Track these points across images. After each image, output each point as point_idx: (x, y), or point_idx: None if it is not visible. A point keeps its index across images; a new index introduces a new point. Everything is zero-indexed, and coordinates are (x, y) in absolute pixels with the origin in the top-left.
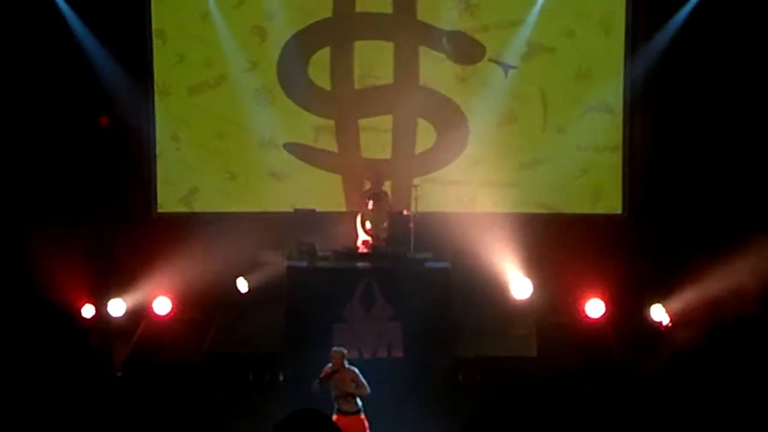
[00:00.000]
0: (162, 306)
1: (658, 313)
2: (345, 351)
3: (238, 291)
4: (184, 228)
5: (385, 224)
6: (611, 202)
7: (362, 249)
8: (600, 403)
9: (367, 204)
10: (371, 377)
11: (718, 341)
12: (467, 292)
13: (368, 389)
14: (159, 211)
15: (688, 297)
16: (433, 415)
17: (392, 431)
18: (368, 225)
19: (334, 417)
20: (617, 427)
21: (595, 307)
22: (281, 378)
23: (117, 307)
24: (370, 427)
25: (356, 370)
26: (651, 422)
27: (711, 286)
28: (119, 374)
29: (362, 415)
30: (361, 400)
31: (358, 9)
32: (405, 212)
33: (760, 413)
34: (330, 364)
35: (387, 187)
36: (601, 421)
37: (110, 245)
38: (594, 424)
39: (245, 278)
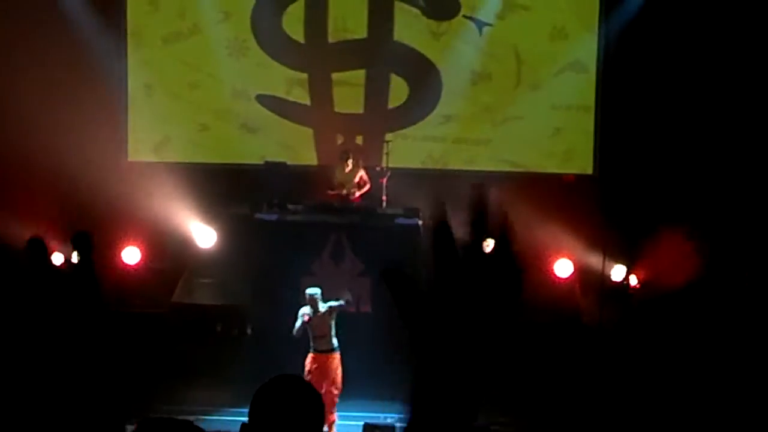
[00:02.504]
0: (131, 255)
1: (625, 274)
2: (319, 292)
3: (200, 244)
4: (154, 177)
5: (357, 179)
6: (583, 162)
7: (333, 203)
8: (565, 359)
9: (339, 159)
10: (338, 331)
11: (677, 302)
12: (436, 249)
13: (344, 301)
14: (130, 159)
15: (653, 259)
16: (400, 369)
17: (362, 385)
18: (338, 180)
19: (311, 356)
20: (581, 383)
21: (563, 267)
22: (249, 331)
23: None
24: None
25: (330, 304)
26: (613, 376)
27: (675, 249)
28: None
29: (337, 353)
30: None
31: None
32: (378, 168)
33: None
34: (307, 308)
35: (357, 141)
36: (566, 378)
37: (80, 192)
38: (559, 381)
39: (213, 229)
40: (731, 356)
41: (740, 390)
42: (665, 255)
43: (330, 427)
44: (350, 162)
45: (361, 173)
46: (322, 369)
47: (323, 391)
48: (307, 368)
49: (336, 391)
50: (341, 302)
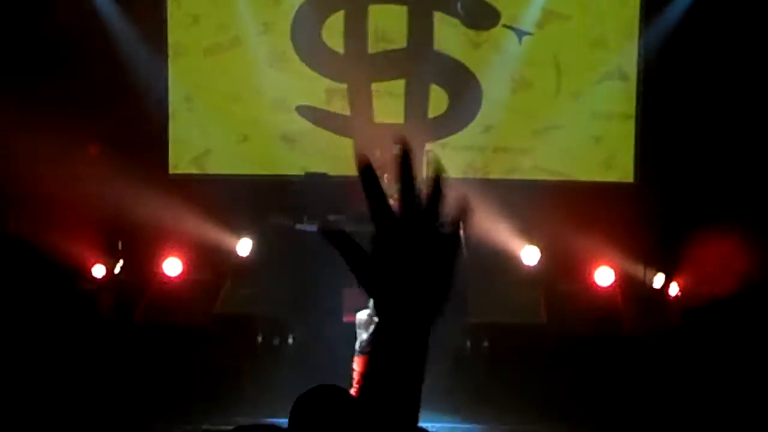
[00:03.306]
0: (172, 267)
1: (667, 283)
2: (367, 312)
3: (240, 254)
4: (196, 189)
5: (394, 191)
6: (623, 171)
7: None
8: (607, 370)
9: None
10: None
11: (722, 312)
12: (477, 258)
13: None
14: (171, 172)
15: (695, 267)
16: (440, 381)
17: None
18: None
19: (357, 359)
20: (623, 394)
21: (604, 275)
22: (290, 341)
23: (126, 268)
24: None
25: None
26: (655, 389)
27: (717, 258)
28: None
29: None
30: None
31: None
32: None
33: (760, 380)
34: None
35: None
36: (608, 388)
37: (122, 205)
38: (601, 392)
39: (251, 240)
40: None
41: None
42: (707, 263)
43: None
44: (386, 177)
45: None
46: None
47: None
48: (358, 371)
49: None
50: None
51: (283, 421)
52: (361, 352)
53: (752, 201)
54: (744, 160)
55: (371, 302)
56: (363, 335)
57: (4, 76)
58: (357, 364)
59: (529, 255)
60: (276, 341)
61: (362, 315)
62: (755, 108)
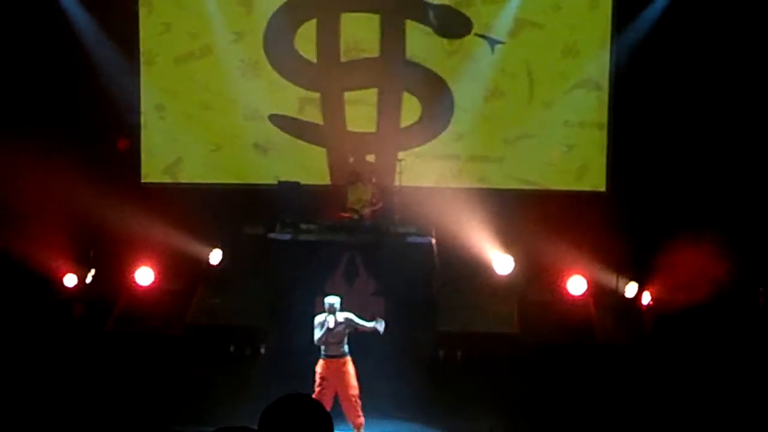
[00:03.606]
0: (144, 276)
1: (640, 291)
2: (338, 301)
3: (211, 263)
4: (167, 198)
5: (370, 197)
6: (595, 180)
7: (346, 222)
8: (580, 378)
9: (348, 182)
10: (352, 351)
11: (694, 320)
12: (450, 267)
13: (375, 327)
14: (143, 181)
15: (667, 276)
16: (413, 389)
17: (372, 404)
18: (351, 199)
19: (322, 362)
20: (597, 402)
21: (576, 284)
22: (262, 351)
23: (98, 278)
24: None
25: (351, 316)
26: (629, 397)
27: (689, 266)
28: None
29: (348, 357)
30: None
31: None
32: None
33: (734, 387)
34: (324, 315)
35: (370, 160)
36: (581, 396)
37: (94, 215)
38: (574, 400)
39: (222, 249)
40: (744, 373)
41: (759, 410)
42: (680, 271)
43: (359, 430)
44: (359, 184)
45: (373, 191)
46: (337, 374)
47: (343, 396)
48: (319, 374)
49: (356, 392)
50: (372, 325)
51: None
52: (326, 355)
53: (724, 209)
54: (715, 168)
55: (326, 305)
56: (322, 318)
57: None
58: (319, 367)
59: (503, 264)
60: (248, 350)
61: (320, 317)
62: (726, 116)
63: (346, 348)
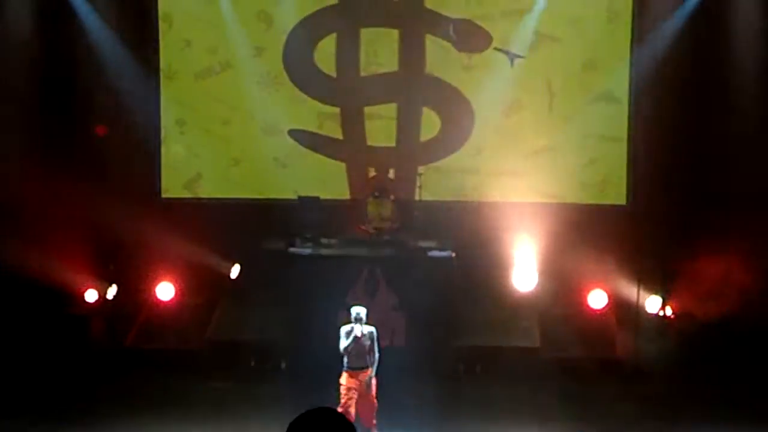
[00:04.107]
0: (165, 291)
1: (660, 305)
2: (365, 311)
3: (232, 277)
4: (188, 213)
5: (390, 212)
6: (616, 193)
7: (366, 236)
8: (601, 392)
9: (370, 193)
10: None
11: (717, 333)
12: (470, 282)
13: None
14: (163, 196)
15: (689, 289)
16: (433, 403)
17: (393, 419)
18: (371, 214)
19: (346, 373)
20: (618, 416)
21: (597, 298)
22: (283, 365)
23: (119, 292)
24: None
25: (374, 332)
26: (650, 411)
27: (711, 279)
28: (121, 359)
29: (371, 369)
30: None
31: None
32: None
33: (758, 403)
34: (350, 326)
35: (391, 174)
36: (603, 410)
37: (114, 230)
38: (596, 414)
39: (242, 264)
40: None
41: None
42: (701, 285)
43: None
44: (382, 199)
45: (392, 208)
46: (359, 384)
47: (362, 402)
48: (345, 385)
49: (375, 401)
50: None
51: None
52: (349, 367)
53: (745, 218)
54: (736, 178)
55: (353, 315)
56: (349, 328)
57: None
58: (343, 379)
59: (525, 279)
60: (269, 365)
61: (346, 327)
62: (747, 127)
63: (368, 360)
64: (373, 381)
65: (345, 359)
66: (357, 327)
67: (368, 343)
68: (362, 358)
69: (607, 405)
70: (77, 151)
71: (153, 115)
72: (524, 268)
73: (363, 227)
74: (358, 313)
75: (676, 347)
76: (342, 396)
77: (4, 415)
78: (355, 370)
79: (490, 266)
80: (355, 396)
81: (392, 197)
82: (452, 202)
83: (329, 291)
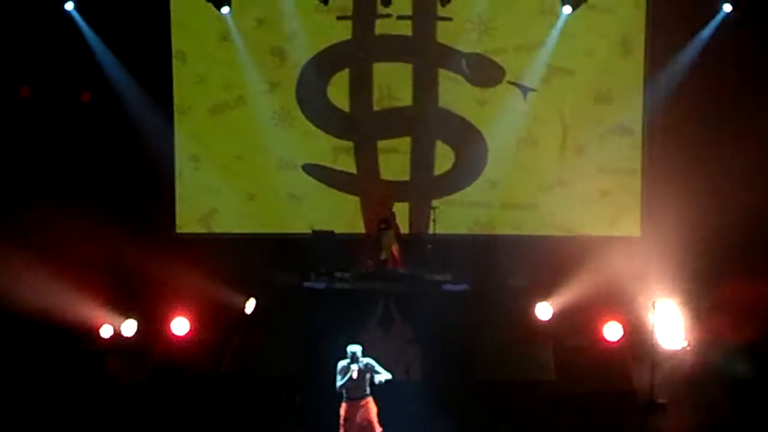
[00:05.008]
0: (180, 326)
1: (676, 337)
2: (360, 348)
3: (246, 312)
4: (202, 248)
5: (395, 247)
6: (630, 225)
7: (380, 271)
8: (617, 426)
9: (374, 228)
10: (389, 399)
11: (735, 364)
12: (485, 315)
13: (389, 374)
14: (178, 231)
15: (705, 320)
16: None
17: None
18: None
19: (344, 405)
20: None
21: (613, 330)
22: (298, 400)
23: (135, 328)
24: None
25: (371, 362)
26: None
27: (727, 310)
28: (137, 394)
29: (370, 398)
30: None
31: (378, 31)
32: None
33: None
34: (346, 362)
35: (404, 208)
36: None
37: (129, 265)
38: None
39: (257, 299)
40: None
41: None
42: (718, 315)
43: None
44: (389, 231)
45: (393, 240)
46: (359, 414)
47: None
48: (343, 416)
49: (376, 423)
50: (386, 376)
51: None
52: (347, 398)
53: (757, 248)
54: (750, 211)
55: (348, 353)
56: (345, 363)
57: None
58: (342, 409)
59: (542, 311)
60: (284, 399)
61: (342, 362)
62: (760, 159)
63: (368, 389)
64: (374, 411)
65: (344, 391)
66: (354, 367)
67: (367, 376)
68: (360, 390)
69: None
70: (90, 187)
71: (167, 150)
72: (539, 302)
73: (371, 260)
74: (353, 353)
75: (693, 379)
76: (340, 426)
77: None
78: (353, 401)
79: (505, 299)
80: (352, 427)
81: (397, 232)
82: (466, 236)
83: (344, 325)
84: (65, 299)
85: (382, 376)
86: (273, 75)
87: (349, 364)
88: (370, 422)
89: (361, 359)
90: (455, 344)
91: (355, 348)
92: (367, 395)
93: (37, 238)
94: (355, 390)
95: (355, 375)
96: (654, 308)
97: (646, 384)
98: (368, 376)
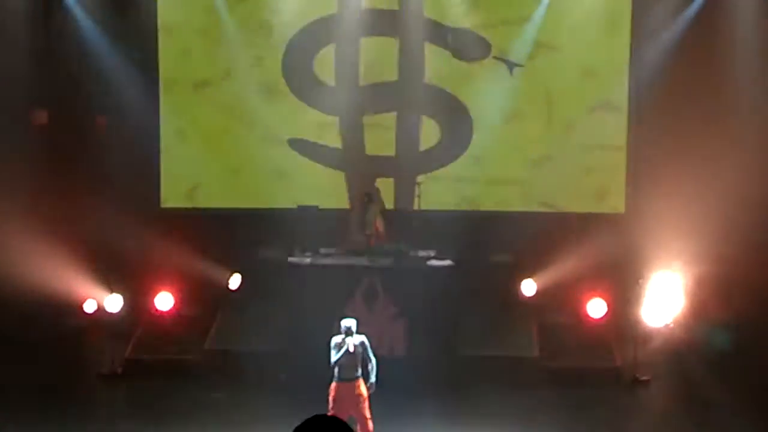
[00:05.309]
0: (164, 301)
1: (659, 314)
2: (355, 323)
3: (231, 287)
4: (187, 223)
5: (378, 222)
6: (614, 202)
7: (365, 246)
8: (600, 402)
9: (356, 203)
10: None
11: (716, 342)
12: (469, 291)
13: (373, 362)
14: (162, 205)
15: (689, 297)
16: (432, 412)
17: (392, 427)
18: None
19: (334, 384)
20: (617, 426)
21: (596, 307)
22: (282, 376)
23: (118, 303)
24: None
25: (365, 340)
26: (649, 421)
27: (711, 287)
28: (120, 370)
29: (361, 379)
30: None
31: (365, 5)
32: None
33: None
34: (345, 337)
35: (389, 184)
36: (601, 420)
37: (113, 239)
38: (594, 424)
39: (241, 274)
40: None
41: None
42: (701, 292)
43: None
44: (371, 205)
45: (376, 215)
46: (350, 396)
47: (357, 417)
48: (332, 397)
49: (369, 414)
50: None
51: None
52: (339, 378)
53: (742, 231)
54: (736, 188)
55: (342, 328)
56: (334, 355)
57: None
58: (332, 389)
59: (526, 287)
60: (267, 375)
61: (336, 338)
62: (746, 136)
63: (359, 371)
64: (366, 394)
65: (335, 370)
66: (348, 340)
67: (360, 352)
68: (353, 369)
69: (606, 414)
70: (77, 161)
71: (152, 124)
72: (523, 277)
73: (368, 233)
74: (348, 327)
75: (676, 355)
76: (329, 407)
77: (2, 424)
78: (344, 381)
79: (489, 276)
80: (342, 408)
81: (381, 207)
82: (451, 211)
83: (328, 301)
84: (49, 274)
85: (371, 361)
86: (259, 49)
87: (344, 338)
88: (361, 405)
89: (355, 335)
90: (439, 320)
91: (349, 322)
92: (358, 377)
93: (20, 212)
94: (348, 369)
95: (351, 348)
96: (638, 285)
97: (629, 360)
98: (361, 355)
